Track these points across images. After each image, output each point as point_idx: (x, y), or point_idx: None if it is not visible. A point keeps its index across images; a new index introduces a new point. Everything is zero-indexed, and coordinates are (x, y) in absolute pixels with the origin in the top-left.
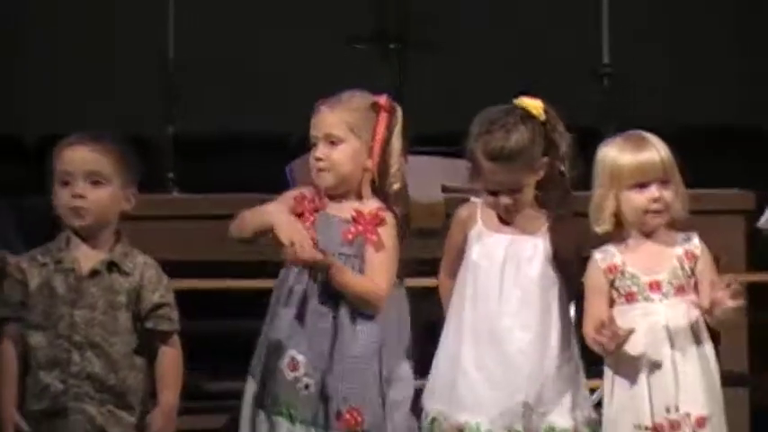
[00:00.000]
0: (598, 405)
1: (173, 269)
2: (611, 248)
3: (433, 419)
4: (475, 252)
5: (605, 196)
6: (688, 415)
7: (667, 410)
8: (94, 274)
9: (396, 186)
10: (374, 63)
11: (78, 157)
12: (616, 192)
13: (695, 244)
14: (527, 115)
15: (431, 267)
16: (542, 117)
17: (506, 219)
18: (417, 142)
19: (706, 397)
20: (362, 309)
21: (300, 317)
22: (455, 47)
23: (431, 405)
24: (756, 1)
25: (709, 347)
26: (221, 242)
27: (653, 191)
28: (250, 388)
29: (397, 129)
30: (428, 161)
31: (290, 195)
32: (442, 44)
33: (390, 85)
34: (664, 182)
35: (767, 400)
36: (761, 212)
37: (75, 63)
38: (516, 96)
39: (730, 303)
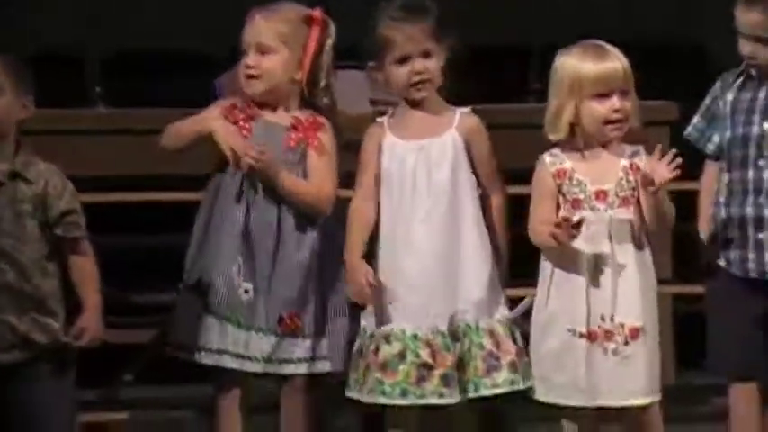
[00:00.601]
0: (526, 315)
1: (98, 183)
2: (560, 154)
3: (371, 334)
4: (386, 160)
5: (563, 106)
6: (622, 325)
7: (602, 319)
8: None
9: (325, 101)
10: None
11: None
12: (576, 102)
13: (641, 158)
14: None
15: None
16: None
17: (415, 96)
18: (345, 55)
19: (642, 307)
20: (308, 212)
21: (246, 223)
22: None
23: (365, 319)
24: None
25: (648, 257)
26: (147, 157)
27: (614, 101)
28: (188, 292)
29: (329, 43)
30: (355, 74)
31: (220, 104)
32: None
33: None
34: (624, 92)
35: (690, 308)
36: (685, 122)
37: None
38: None
39: (668, 174)
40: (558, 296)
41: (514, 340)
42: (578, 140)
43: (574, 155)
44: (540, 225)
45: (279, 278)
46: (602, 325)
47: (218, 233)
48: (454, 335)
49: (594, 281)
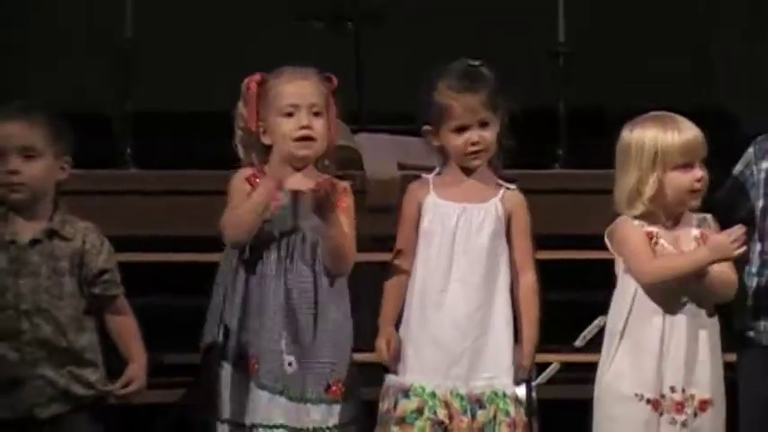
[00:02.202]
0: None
1: (128, 243)
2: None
3: (391, 387)
4: (427, 220)
5: (645, 179)
6: (692, 397)
7: (672, 390)
8: (35, 242)
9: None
10: (329, 41)
11: (10, 133)
12: (658, 174)
13: (708, 225)
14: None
15: (385, 243)
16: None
17: (470, 165)
18: (374, 120)
19: (712, 378)
20: (336, 266)
21: (287, 295)
22: (408, 30)
23: (388, 380)
24: None
25: (717, 326)
26: (177, 217)
27: (697, 171)
28: (233, 368)
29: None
30: (383, 139)
31: (244, 173)
32: (394, 24)
33: (346, 63)
34: (704, 161)
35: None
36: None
37: (34, 41)
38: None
39: (737, 252)
40: (624, 359)
41: (528, 414)
42: (659, 213)
43: (657, 224)
44: (654, 261)
45: (321, 345)
46: (672, 396)
47: (262, 308)
48: (477, 400)
49: (668, 352)
